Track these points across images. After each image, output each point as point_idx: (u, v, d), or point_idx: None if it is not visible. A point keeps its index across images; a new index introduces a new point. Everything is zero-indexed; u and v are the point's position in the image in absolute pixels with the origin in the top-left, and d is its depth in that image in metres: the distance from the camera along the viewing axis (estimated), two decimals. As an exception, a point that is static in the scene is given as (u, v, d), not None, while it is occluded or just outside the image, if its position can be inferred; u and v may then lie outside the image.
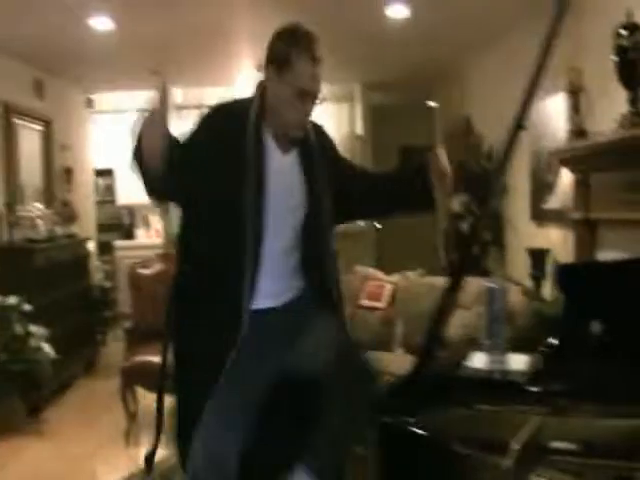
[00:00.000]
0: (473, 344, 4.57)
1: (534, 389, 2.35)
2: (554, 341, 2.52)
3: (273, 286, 3.30)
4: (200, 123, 3.31)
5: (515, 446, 1.94)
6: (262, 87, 3.28)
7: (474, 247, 2.52)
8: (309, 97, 3.17)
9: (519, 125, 2.69)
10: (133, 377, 6.66)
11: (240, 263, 3.15)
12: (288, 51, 3.11)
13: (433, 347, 2.40)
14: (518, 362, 2.64)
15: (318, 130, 3.51)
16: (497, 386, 2.53)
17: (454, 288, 2.51)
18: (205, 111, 3.35)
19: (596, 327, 2.36)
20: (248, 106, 3.25)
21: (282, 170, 3.27)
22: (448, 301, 2.44)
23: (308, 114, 3.23)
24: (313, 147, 3.40)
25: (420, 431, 2.03)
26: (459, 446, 1.90)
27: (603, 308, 2.44)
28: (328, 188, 3.39)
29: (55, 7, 6.64)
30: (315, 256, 3.43)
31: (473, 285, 5.10)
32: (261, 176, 3.16)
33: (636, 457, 1.91)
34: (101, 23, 7.16)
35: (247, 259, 3.14)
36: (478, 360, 2.71)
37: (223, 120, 3.30)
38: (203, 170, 3.17)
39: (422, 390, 2.26)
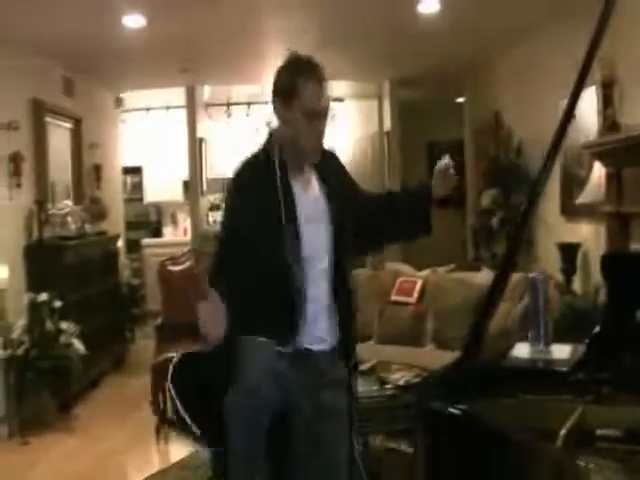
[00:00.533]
0: (507, 337, 4.58)
1: (578, 378, 2.34)
2: (597, 330, 2.51)
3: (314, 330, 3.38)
4: (231, 191, 3.49)
5: (561, 433, 1.94)
6: (271, 131, 3.46)
7: (521, 242, 2.51)
8: (320, 117, 3.31)
9: (569, 114, 2.66)
10: (163, 374, 6.65)
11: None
12: (293, 80, 3.26)
13: (479, 339, 2.39)
14: (561, 352, 2.63)
15: (330, 154, 3.63)
16: (542, 375, 2.52)
17: (502, 281, 2.50)
18: (231, 177, 3.48)
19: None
20: (266, 155, 3.40)
21: (308, 197, 3.41)
22: (495, 294, 2.43)
23: (322, 133, 3.36)
24: (329, 171, 3.53)
25: (467, 417, 2.02)
26: (507, 433, 1.89)
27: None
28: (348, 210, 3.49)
29: (89, 5, 6.67)
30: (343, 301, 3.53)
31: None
32: (295, 220, 3.31)
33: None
34: (134, 21, 7.17)
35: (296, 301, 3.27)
36: (523, 350, 2.71)
37: (251, 179, 3.41)
38: (249, 233, 3.32)
39: (468, 380, 2.25)
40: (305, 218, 3.33)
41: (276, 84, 3.35)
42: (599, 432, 2.05)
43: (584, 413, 2.09)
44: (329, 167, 3.54)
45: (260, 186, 3.34)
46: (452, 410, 2.06)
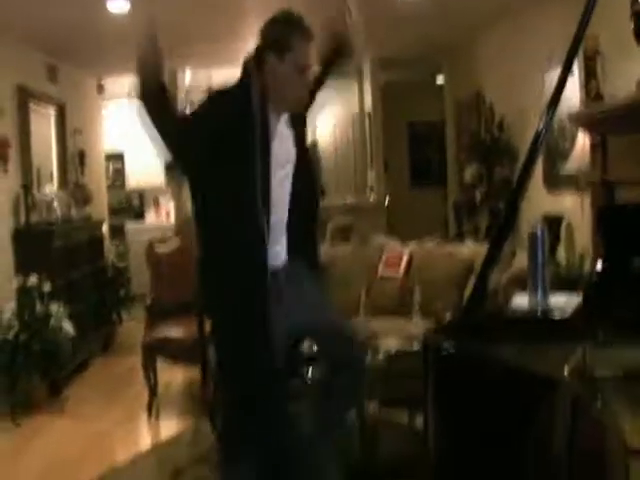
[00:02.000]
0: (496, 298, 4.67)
1: (576, 324, 2.43)
2: (594, 277, 2.61)
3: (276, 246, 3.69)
4: (207, 107, 3.65)
5: (565, 374, 2.02)
6: (257, 70, 3.61)
7: (521, 198, 2.59)
8: (307, 71, 3.60)
9: (568, 68, 2.75)
10: (154, 352, 6.73)
11: (257, 227, 3.50)
12: (288, 35, 3.50)
13: (481, 291, 2.49)
14: (559, 300, 2.73)
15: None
16: (541, 323, 2.62)
17: (501, 240, 2.60)
18: (208, 95, 3.71)
19: (636, 263, 2.44)
20: (246, 89, 3.57)
21: (281, 140, 3.64)
22: (495, 251, 2.54)
23: (308, 86, 3.68)
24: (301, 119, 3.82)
25: (477, 356, 2.10)
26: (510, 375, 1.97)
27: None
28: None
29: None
30: (305, 222, 3.86)
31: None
32: (267, 148, 3.51)
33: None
34: (118, 7, 7.19)
35: (261, 223, 3.50)
36: (521, 300, 2.81)
37: (228, 105, 3.58)
38: (214, 151, 3.49)
39: (474, 328, 2.34)
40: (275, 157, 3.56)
41: (270, 36, 3.57)
42: (599, 373, 2.14)
43: (584, 356, 2.17)
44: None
45: (236, 115, 3.53)
46: (465, 350, 2.14)
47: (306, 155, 3.83)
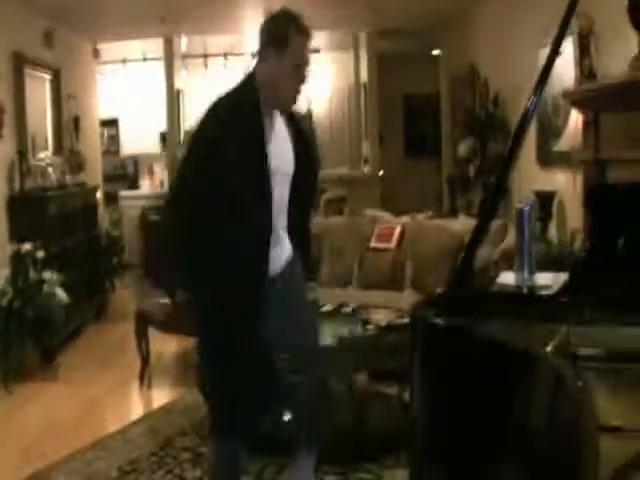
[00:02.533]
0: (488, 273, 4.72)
1: (562, 301, 2.47)
2: (581, 255, 2.67)
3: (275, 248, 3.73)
4: (210, 120, 3.66)
5: (548, 350, 2.08)
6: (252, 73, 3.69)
7: (508, 176, 2.63)
8: (304, 69, 3.65)
9: (555, 51, 2.79)
10: (147, 319, 6.77)
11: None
12: (287, 32, 3.57)
13: (469, 264, 2.53)
14: (545, 279, 2.78)
15: (304, 117, 4.19)
16: (527, 300, 2.67)
17: (488, 216, 2.64)
18: (210, 107, 3.69)
19: (621, 242, 2.49)
20: (243, 93, 3.66)
21: (278, 137, 3.71)
22: (483, 226, 2.58)
23: (302, 84, 3.70)
24: (298, 120, 3.90)
25: (465, 329, 2.16)
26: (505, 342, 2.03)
27: (628, 225, 2.57)
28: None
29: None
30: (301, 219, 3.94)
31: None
32: (265, 148, 3.57)
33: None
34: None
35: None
36: (508, 277, 2.86)
37: (230, 113, 3.62)
38: (224, 160, 3.53)
39: (458, 303, 2.38)
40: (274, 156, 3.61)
41: (270, 32, 3.64)
42: (582, 351, 2.19)
43: (567, 334, 2.22)
44: (302, 126, 3.91)
45: (244, 121, 3.57)
46: (450, 323, 2.18)
47: (307, 153, 3.86)
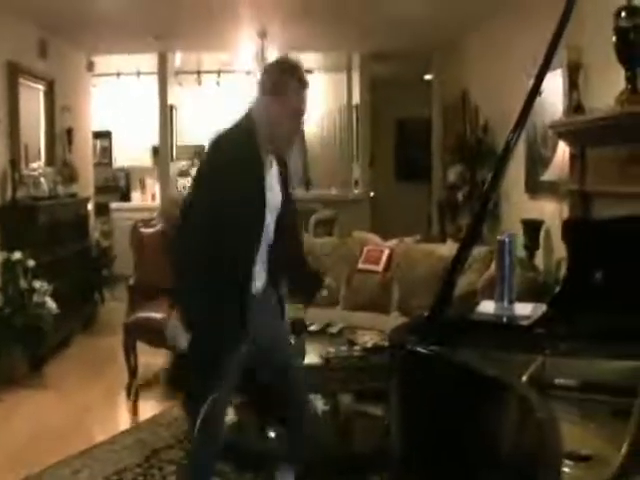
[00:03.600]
0: (472, 300, 4.81)
1: (539, 332, 2.57)
2: (558, 289, 2.76)
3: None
4: (215, 161, 3.80)
5: (523, 379, 2.18)
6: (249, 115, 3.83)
7: (488, 206, 2.73)
8: (301, 117, 3.81)
9: (536, 90, 2.89)
10: (135, 333, 6.83)
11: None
12: (284, 82, 3.72)
13: (448, 291, 2.62)
14: (524, 309, 2.87)
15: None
16: (505, 329, 2.76)
17: (469, 243, 2.73)
18: (209, 146, 3.83)
19: (598, 276, 2.58)
20: (241, 133, 3.78)
21: (272, 179, 3.85)
22: (463, 254, 2.66)
23: (299, 130, 3.93)
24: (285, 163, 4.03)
25: (440, 357, 2.25)
26: (478, 370, 2.12)
27: (604, 260, 2.67)
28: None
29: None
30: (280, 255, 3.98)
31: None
32: (264, 187, 3.75)
33: (631, 394, 2.12)
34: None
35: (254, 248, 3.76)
36: (488, 306, 2.94)
37: (228, 152, 3.75)
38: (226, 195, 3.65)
39: (438, 329, 2.48)
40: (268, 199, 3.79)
41: (267, 82, 3.79)
42: (556, 381, 2.29)
43: (543, 364, 2.32)
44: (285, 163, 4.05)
45: (244, 163, 3.70)
46: (427, 350, 2.28)
47: (290, 195, 4.02)
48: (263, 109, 3.78)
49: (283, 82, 3.72)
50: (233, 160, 3.68)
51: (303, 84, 3.77)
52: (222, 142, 3.77)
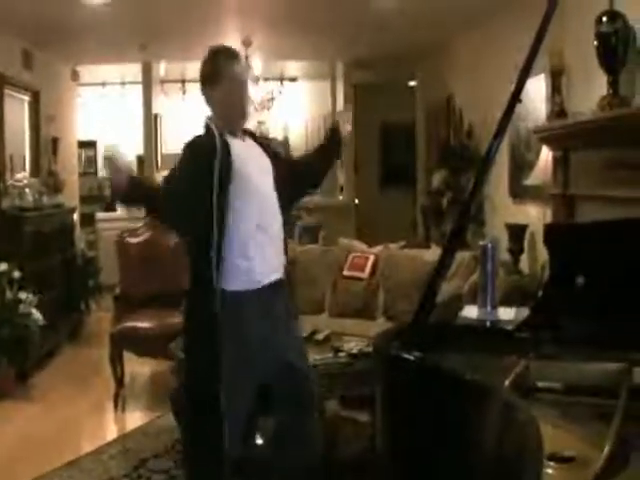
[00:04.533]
0: (457, 305, 4.82)
1: (522, 337, 2.59)
2: (540, 293, 2.78)
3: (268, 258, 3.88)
4: (184, 159, 3.84)
5: (505, 383, 2.19)
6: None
7: (470, 212, 2.77)
8: (241, 89, 3.91)
9: (516, 97, 2.91)
10: (122, 342, 6.82)
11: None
12: (216, 66, 3.88)
13: (432, 297, 2.63)
14: (507, 313, 2.89)
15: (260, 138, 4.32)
16: (489, 333, 2.78)
17: (453, 247, 2.75)
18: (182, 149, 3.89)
19: (579, 281, 2.60)
20: (207, 130, 3.87)
21: (249, 157, 3.91)
22: (446, 258, 2.68)
23: (245, 108, 3.95)
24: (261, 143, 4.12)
25: (423, 362, 2.26)
26: (460, 375, 2.13)
27: (586, 264, 2.69)
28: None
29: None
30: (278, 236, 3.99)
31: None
32: (228, 163, 3.74)
33: (614, 396, 2.14)
34: (95, -3, 7.28)
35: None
36: (471, 312, 2.96)
37: (197, 149, 3.84)
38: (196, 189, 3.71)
39: (422, 334, 2.49)
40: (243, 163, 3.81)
41: (202, 74, 3.93)
42: (540, 384, 2.31)
43: (527, 367, 2.34)
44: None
45: (205, 150, 3.75)
46: (410, 355, 2.29)
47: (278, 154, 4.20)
48: (207, 100, 3.92)
49: (216, 67, 3.87)
50: (188, 148, 3.81)
51: (233, 57, 3.93)
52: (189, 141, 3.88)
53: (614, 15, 4.83)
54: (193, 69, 12.62)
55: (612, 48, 4.82)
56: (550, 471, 1.85)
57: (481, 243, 3.03)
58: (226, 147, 3.74)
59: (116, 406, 6.76)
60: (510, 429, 1.81)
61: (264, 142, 4.20)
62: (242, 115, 3.93)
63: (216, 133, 3.76)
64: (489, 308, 2.91)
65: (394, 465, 2.40)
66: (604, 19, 4.85)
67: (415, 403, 2.22)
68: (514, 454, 1.74)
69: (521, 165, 7.22)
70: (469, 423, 2.03)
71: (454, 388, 2.10)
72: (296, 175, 4.15)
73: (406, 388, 2.28)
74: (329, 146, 4.39)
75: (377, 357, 2.50)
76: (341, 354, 5.34)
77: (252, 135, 4.12)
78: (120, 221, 11.87)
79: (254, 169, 3.86)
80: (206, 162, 3.68)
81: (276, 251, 3.91)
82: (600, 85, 5.02)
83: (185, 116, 13.03)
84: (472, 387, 2.03)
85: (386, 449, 2.45)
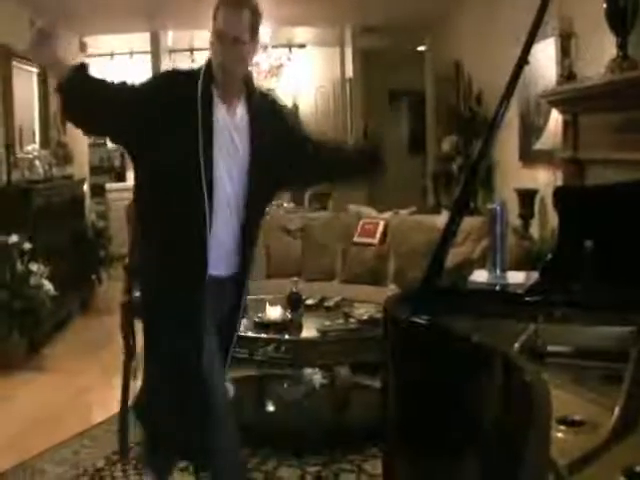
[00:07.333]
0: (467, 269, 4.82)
1: (532, 300, 2.58)
2: (550, 256, 2.77)
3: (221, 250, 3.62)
4: (154, 82, 3.75)
5: (515, 346, 2.19)
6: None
7: (477, 174, 2.75)
8: (227, 38, 3.41)
9: (523, 60, 2.89)
10: (132, 313, 6.81)
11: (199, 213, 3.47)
12: (216, 8, 3.44)
13: (440, 260, 2.63)
14: (517, 277, 2.88)
15: (270, 99, 3.87)
16: (498, 297, 2.77)
17: (461, 209, 2.74)
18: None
19: (588, 244, 2.58)
20: (198, 72, 3.53)
21: (227, 126, 3.51)
22: (455, 220, 2.67)
23: (225, 67, 3.44)
24: (260, 108, 3.64)
25: (432, 325, 2.26)
26: (468, 337, 2.12)
27: (595, 227, 2.67)
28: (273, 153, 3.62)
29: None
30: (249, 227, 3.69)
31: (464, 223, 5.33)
32: (210, 131, 3.43)
33: (624, 359, 2.14)
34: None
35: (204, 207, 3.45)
36: (480, 276, 2.95)
37: (176, 83, 3.59)
38: (155, 125, 3.44)
39: (431, 299, 2.49)
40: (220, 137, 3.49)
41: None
42: (550, 348, 2.30)
43: (536, 331, 2.33)
44: (263, 110, 3.66)
45: (182, 92, 3.47)
46: (419, 319, 2.29)
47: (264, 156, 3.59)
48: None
49: (216, 8, 3.44)
50: (163, 94, 3.52)
51: (233, 6, 3.44)
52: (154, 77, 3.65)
53: (624, -26, 4.77)
54: (201, 37, 12.59)
55: (621, 10, 4.77)
56: (560, 435, 1.85)
57: (489, 206, 3.01)
58: (209, 105, 3.46)
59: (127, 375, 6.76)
60: (517, 391, 1.80)
61: (278, 115, 3.79)
62: (224, 73, 3.44)
63: (200, 86, 3.46)
64: (498, 272, 2.88)
65: (405, 432, 2.40)
66: (613, -22, 4.80)
67: (424, 367, 2.21)
68: (522, 416, 1.74)
69: (531, 130, 7.18)
70: (477, 385, 2.02)
71: (463, 351, 2.09)
72: (318, 160, 3.84)
73: (415, 351, 2.28)
74: (371, 159, 4.04)
75: (387, 321, 2.48)
76: (352, 320, 5.35)
77: (267, 102, 3.76)
78: (130, 191, 11.88)
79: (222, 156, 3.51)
80: (185, 103, 3.43)
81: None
82: (610, 47, 4.97)
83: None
84: (480, 349, 2.02)
85: (396, 414, 2.44)
